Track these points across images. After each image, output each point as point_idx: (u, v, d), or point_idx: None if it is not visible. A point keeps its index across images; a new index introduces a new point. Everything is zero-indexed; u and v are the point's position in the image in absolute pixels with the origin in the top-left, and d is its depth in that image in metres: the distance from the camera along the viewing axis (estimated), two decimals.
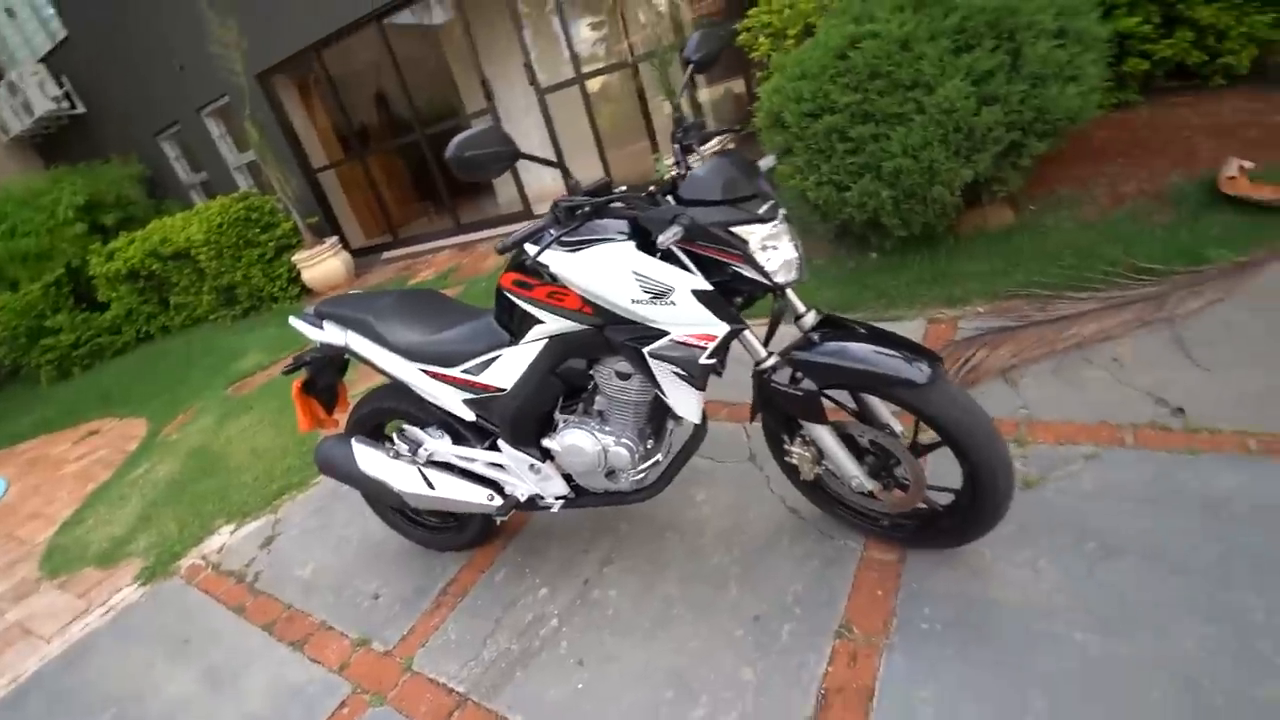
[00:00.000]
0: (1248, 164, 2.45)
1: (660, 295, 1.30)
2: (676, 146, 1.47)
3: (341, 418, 2.10)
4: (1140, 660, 1.24)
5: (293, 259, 6.90)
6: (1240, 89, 3.13)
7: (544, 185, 6.73)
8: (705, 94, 5.32)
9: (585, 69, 5.47)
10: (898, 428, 1.50)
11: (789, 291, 1.40)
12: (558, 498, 1.76)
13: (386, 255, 7.72)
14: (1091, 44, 2.43)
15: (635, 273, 1.30)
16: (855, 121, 2.44)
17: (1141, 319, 2.16)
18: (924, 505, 1.53)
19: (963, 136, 2.29)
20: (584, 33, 5.64)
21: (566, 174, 1.34)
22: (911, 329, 2.53)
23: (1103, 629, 1.31)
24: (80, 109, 9.29)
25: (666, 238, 1.20)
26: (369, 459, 1.88)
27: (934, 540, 1.55)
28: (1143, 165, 2.80)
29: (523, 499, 1.78)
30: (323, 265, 6.86)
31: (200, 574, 2.59)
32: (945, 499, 1.51)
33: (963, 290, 2.61)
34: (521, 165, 6.84)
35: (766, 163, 1.44)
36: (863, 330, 1.39)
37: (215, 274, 6.82)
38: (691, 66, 1.50)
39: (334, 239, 7.11)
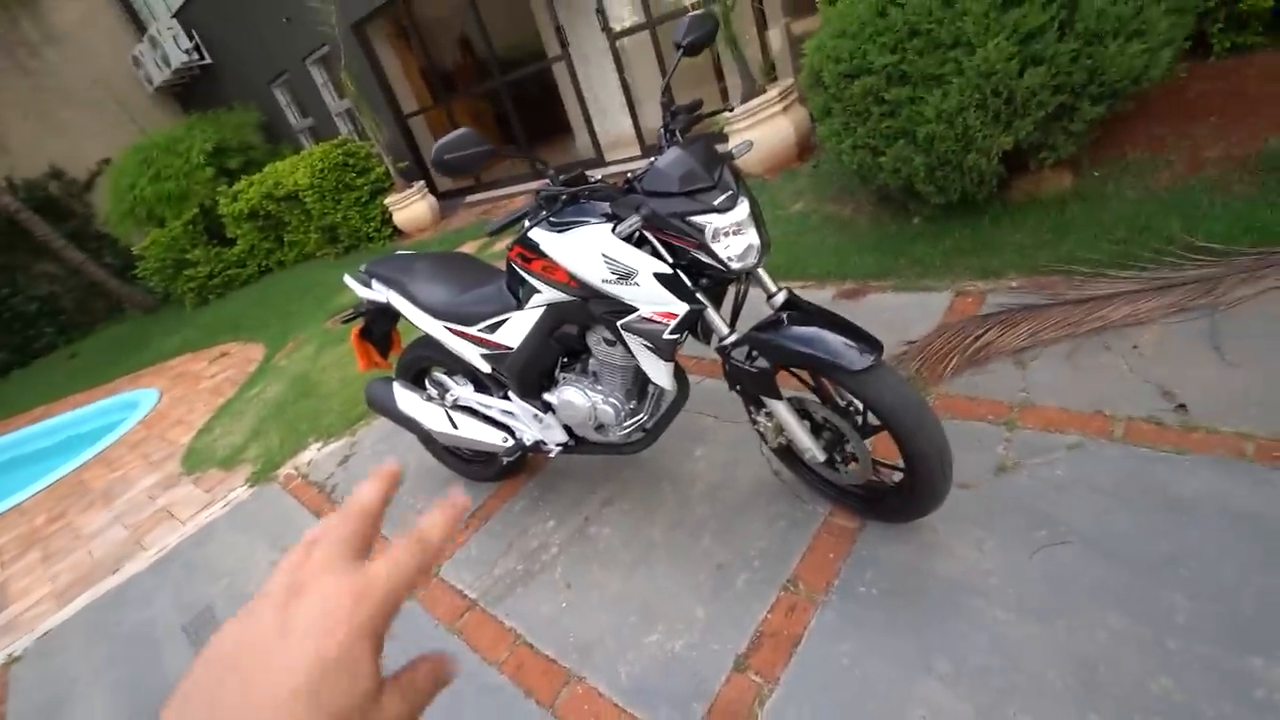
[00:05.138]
0: None
1: (626, 276, 1.44)
2: (663, 131, 1.57)
3: (395, 360, 2.43)
4: (1048, 642, 1.31)
5: (385, 202, 7.46)
6: None
7: (621, 132, 6.75)
8: (777, 35, 5.06)
9: (656, 14, 5.36)
10: (860, 405, 1.58)
11: (760, 272, 1.50)
12: (558, 444, 2.00)
13: (469, 199, 8.13)
14: None
15: (604, 255, 1.45)
16: (892, 83, 2.34)
17: (1182, 305, 2.02)
18: (876, 480, 1.62)
19: (1002, 101, 2.15)
20: None
21: (545, 165, 1.49)
22: (938, 301, 2.49)
23: (1023, 610, 1.38)
24: (208, 60, 10.23)
25: (622, 229, 1.34)
26: (406, 399, 2.20)
27: (882, 514, 1.64)
28: (1238, 125, 2.48)
29: (529, 443, 2.03)
30: (411, 208, 7.38)
31: (292, 482, 3.13)
32: (898, 476, 1.59)
33: (1000, 262, 2.51)
34: (597, 112, 6.88)
35: (740, 149, 1.51)
36: (821, 314, 1.47)
37: (319, 215, 7.52)
38: (681, 51, 1.56)
39: (421, 183, 7.57)
